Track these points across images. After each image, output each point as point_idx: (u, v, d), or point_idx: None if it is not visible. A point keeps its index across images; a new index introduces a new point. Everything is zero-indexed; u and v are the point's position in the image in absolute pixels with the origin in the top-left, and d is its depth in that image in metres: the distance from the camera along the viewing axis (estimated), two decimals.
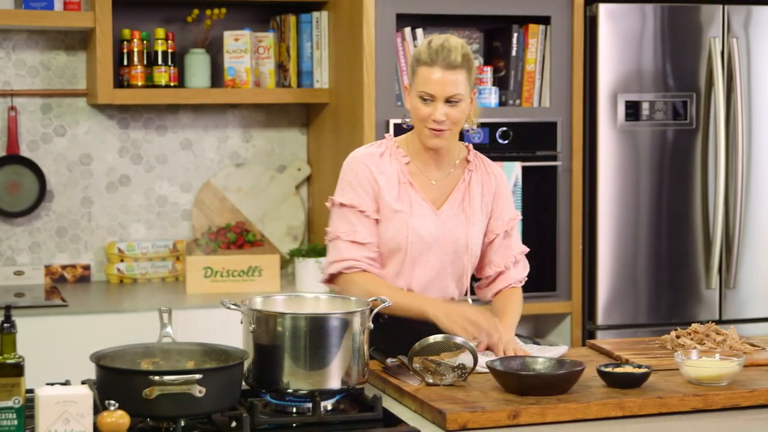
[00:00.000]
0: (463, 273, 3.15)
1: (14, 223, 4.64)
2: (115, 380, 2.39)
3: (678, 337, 3.05)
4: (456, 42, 3.00)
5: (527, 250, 3.26)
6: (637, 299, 4.61)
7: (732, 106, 4.62)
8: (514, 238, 3.21)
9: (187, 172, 4.83)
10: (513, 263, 3.20)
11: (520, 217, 3.24)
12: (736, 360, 2.70)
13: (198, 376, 2.34)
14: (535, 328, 4.85)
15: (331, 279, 3.11)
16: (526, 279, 3.26)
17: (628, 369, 2.70)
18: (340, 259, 3.05)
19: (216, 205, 4.83)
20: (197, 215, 4.82)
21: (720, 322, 4.65)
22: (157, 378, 2.33)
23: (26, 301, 4.27)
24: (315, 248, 4.56)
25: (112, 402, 2.24)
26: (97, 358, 2.47)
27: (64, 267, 4.68)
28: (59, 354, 4.03)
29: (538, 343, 3.31)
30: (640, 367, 2.72)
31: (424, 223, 3.07)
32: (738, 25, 4.63)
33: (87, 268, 4.71)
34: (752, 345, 3.04)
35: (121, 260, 4.68)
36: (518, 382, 2.60)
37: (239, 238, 4.68)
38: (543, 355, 2.81)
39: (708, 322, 3.13)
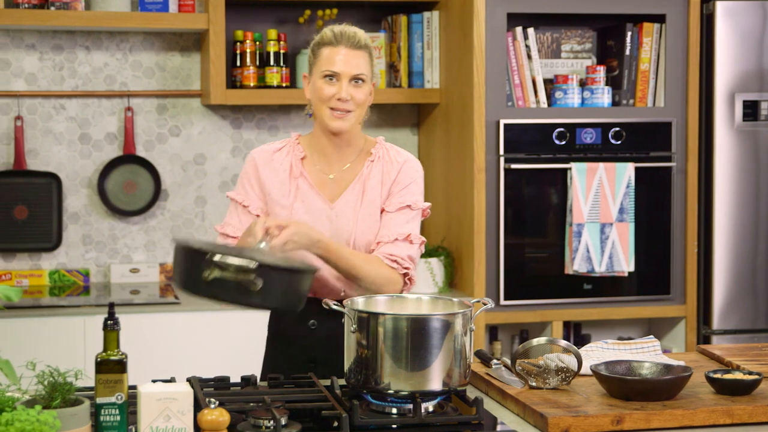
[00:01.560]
0: None
1: (130, 221, 4.73)
2: (182, 257, 2.49)
3: None
4: (358, 29, 3.01)
5: (420, 239, 3.01)
6: (755, 303, 4.50)
7: None
8: (401, 218, 3.00)
9: None
10: (387, 241, 2.97)
11: (421, 208, 3.03)
12: None
13: (254, 264, 2.41)
14: (649, 332, 4.77)
15: None
16: (405, 268, 2.97)
17: (738, 375, 2.63)
18: None
19: None
20: None
21: None
22: (217, 258, 2.40)
23: (141, 298, 4.35)
24: (425, 249, 4.53)
25: (213, 400, 2.26)
26: (180, 239, 2.58)
27: None
28: (171, 350, 4.10)
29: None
30: (751, 373, 2.65)
31: (314, 216, 2.99)
32: None
33: None
34: None
35: None
36: (623, 386, 2.55)
37: None
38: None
39: None
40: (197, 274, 2.46)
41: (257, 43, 4.61)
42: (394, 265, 2.96)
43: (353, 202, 3.02)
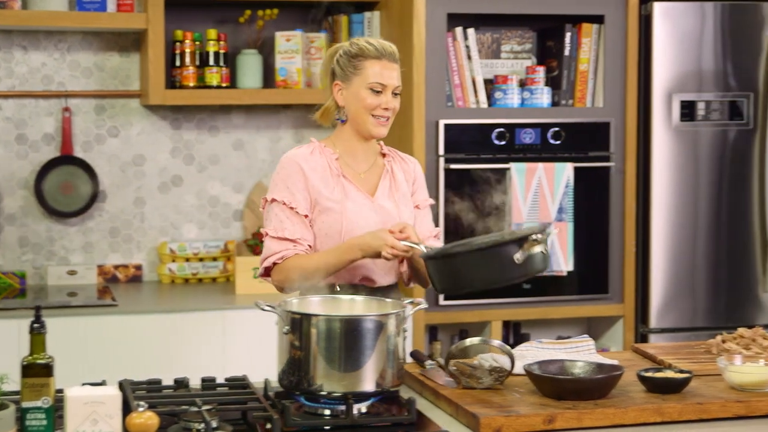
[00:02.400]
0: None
1: (68, 223, 4.69)
2: (489, 255, 2.73)
3: (724, 341, 2.99)
4: (386, 42, 3.21)
5: (439, 230, 3.34)
6: (693, 302, 4.54)
7: None
8: (428, 215, 3.29)
9: (239, 172, 4.84)
10: (428, 235, 3.22)
11: (433, 203, 3.33)
12: None
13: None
14: (588, 331, 4.80)
15: (266, 274, 3.15)
16: None
17: (669, 374, 2.65)
18: (269, 255, 3.10)
19: None
20: (249, 216, 4.83)
21: None
22: (536, 236, 2.69)
23: (78, 300, 4.31)
24: None
25: (141, 403, 2.25)
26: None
27: (116, 267, 4.72)
28: (108, 353, 4.06)
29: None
30: (681, 372, 2.67)
31: (363, 211, 3.13)
32: None
33: (139, 268, 4.74)
34: None
35: (173, 260, 4.70)
36: (555, 386, 2.56)
37: None
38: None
39: (755, 326, 3.06)
40: (508, 262, 2.68)
41: (197, 43, 4.58)
42: None
43: (389, 195, 3.20)
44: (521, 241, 2.69)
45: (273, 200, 3.14)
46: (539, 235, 2.70)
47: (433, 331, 4.63)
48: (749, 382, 2.61)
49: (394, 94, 3.15)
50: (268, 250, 3.11)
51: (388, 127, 3.18)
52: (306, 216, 3.11)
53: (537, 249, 2.69)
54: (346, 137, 3.20)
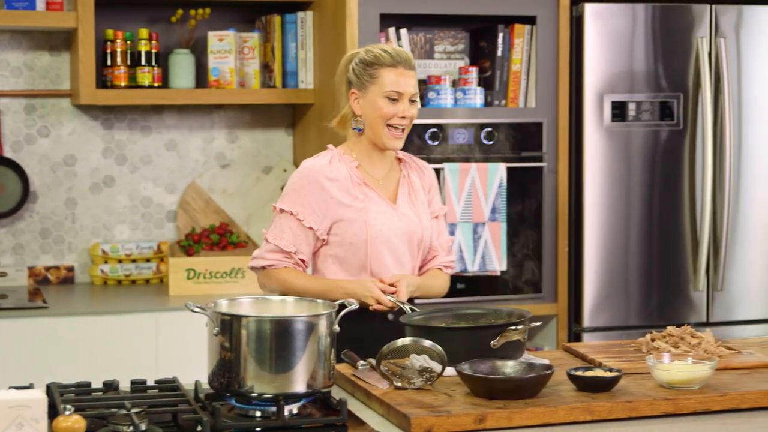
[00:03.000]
0: (418, 262, 3.30)
1: None
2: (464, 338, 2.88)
3: (653, 340, 3.02)
4: (401, 48, 3.26)
5: (453, 239, 3.49)
6: (625, 301, 4.58)
7: (720, 107, 4.58)
8: (443, 225, 3.39)
9: (171, 173, 4.80)
10: (444, 247, 3.36)
11: (446, 210, 3.45)
12: (708, 363, 2.67)
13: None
14: None
15: (254, 270, 3.27)
16: (453, 267, 3.42)
17: (598, 373, 2.67)
18: (261, 257, 3.21)
19: (201, 206, 4.81)
20: (182, 216, 4.80)
21: (708, 324, 4.62)
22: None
23: (8, 302, 4.25)
24: None
25: (68, 406, 2.22)
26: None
27: (47, 269, 4.67)
28: (39, 356, 4.02)
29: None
30: (611, 370, 2.69)
31: (387, 219, 3.19)
32: (726, 25, 4.60)
33: (71, 269, 4.69)
34: (728, 348, 3.00)
35: (105, 262, 4.65)
36: (486, 385, 2.56)
37: (222, 239, 4.66)
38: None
39: (685, 324, 3.09)
40: (484, 346, 2.80)
41: (128, 42, 4.54)
42: (449, 271, 3.39)
43: (409, 203, 3.27)
44: (501, 328, 2.82)
45: (281, 210, 3.19)
46: (519, 327, 2.82)
47: None
48: (677, 380, 2.64)
49: (411, 101, 3.18)
50: (261, 252, 3.21)
51: (404, 138, 3.22)
52: (312, 229, 3.16)
53: (515, 337, 2.82)
54: (363, 145, 3.24)
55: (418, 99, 3.22)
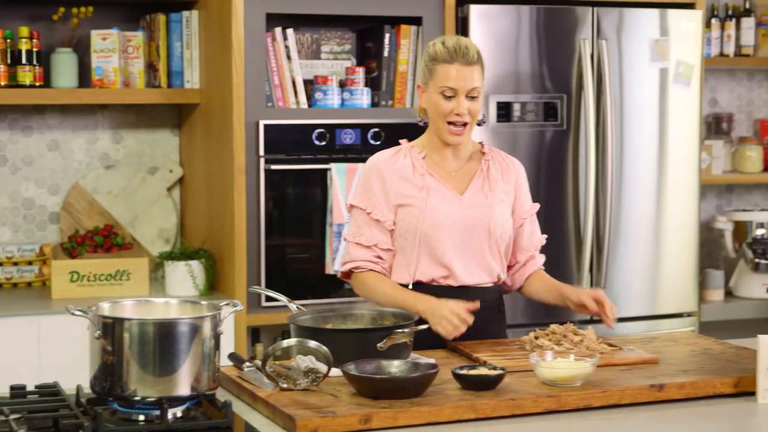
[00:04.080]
0: (491, 255, 3.23)
1: None
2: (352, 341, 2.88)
3: (536, 338, 3.05)
4: (468, 41, 3.17)
5: (543, 239, 3.39)
6: (510, 300, 4.59)
7: (602, 107, 4.66)
8: (537, 226, 3.36)
9: (54, 174, 4.72)
10: (538, 249, 3.35)
11: (538, 207, 3.36)
12: (590, 360, 2.71)
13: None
14: None
15: (346, 276, 3.29)
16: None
17: (483, 371, 2.69)
18: (348, 261, 3.24)
19: (85, 207, 4.73)
20: (65, 218, 4.71)
21: (591, 321, 4.68)
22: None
23: None
24: (185, 251, 4.49)
25: None
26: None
27: None
28: None
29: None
30: (495, 368, 2.71)
31: (447, 207, 3.17)
32: (608, 27, 4.67)
33: None
34: (609, 345, 3.05)
35: None
36: (371, 385, 2.57)
37: (107, 241, 4.59)
38: None
39: (567, 322, 3.13)
40: (371, 348, 2.79)
41: (8, 40, 4.44)
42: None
43: (482, 193, 3.21)
44: (388, 330, 2.83)
45: (352, 206, 3.23)
46: (405, 330, 2.83)
47: (255, 333, 4.60)
48: (560, 377, 2.67)
49: (471, 98, 3.12)
50: (347, 255, 3.24)
51: (466, 133, 3.17)
52: (380, 221, 3.17)
53: (401, 339, 2.82)
54: (434, 138, 3.23)
55: (479, 94, 3.13)
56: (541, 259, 3.38)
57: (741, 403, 2.70)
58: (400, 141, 3.30)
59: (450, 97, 3.12)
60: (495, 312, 3.28)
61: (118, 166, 4.79)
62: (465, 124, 3.15)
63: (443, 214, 3.16)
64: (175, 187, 4.87)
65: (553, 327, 3.08)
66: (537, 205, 3.36)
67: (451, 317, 2.99)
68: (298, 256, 4.41)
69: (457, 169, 3.24)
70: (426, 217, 3.15)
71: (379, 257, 3.21)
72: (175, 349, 2.47)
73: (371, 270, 3.21)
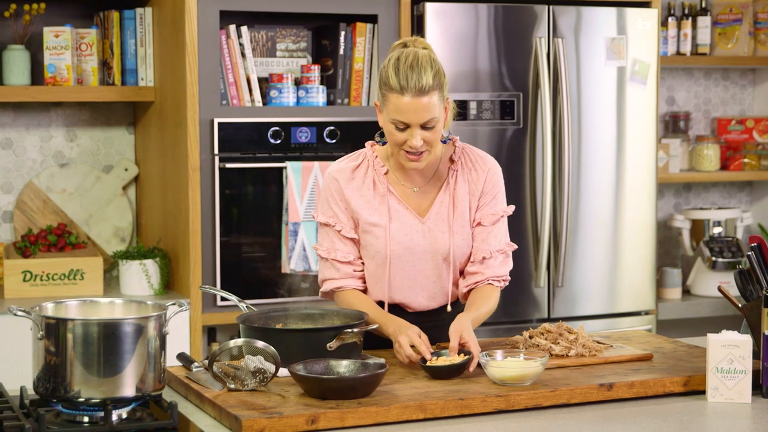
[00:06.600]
0: (450, 281, 3.08)
1: None
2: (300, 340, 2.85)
3: (531, 337, 3.03)
4: (424, 60, 2.86)
5: (514, 247, 3.13)
6: None
7: (559, 106, 4.65)
8: (495, 233, 3.07)
9: (7, 172, 4.67)
10: (489, 257, 3.05)
11: (509, 213, 3.11)
12: (540, 360, 2.70)
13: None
14: None
15: (328, 295, 3.15)
16: (509, 278, 3.13)
17: (448, 359, 2.72)
18: (328, 279, 3.09)
19: (39, 206, 4.68)
20: (19, 217, 4.66)
21: (549, 319, 4.69)
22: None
23: None
24: (140, 250, 4.45)
25: None
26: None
27: None
28: None
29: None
30: (461, 353, 2.74)
31: (410, 233, 3.01)
32: (564, 25, 4.67)
33: None
34: (600, 343, 3.04)
35: None
36: (319, 385, 2.55)
37: (60, 240, 4.54)
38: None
39: (559, 320, 3.12)
40: (321, 347, 2.78)
41: None
42: (501, 284, 3.09)
43: (445, 215, 3.02)
44: (337, 330, 2.80)
45: (320, 223, 3.07)
46: (354, 330, 2.79)
47: (211, 333, 4.57)
48: (509, 376, 2.66)
49: (427, 128, 2.85)
50: (324, 273, 3.09)
51: (424, 160, 2.91)
52: (351, 239, 3.04)
53: (351, 339, 2.80)
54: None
55: (437, 123, 2.85)
56: (497, 269, 3.07)
57: (690, 401, 2.69)
58: (366, 143, 3.08)
59: (403, 129, 2.87)
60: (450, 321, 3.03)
61: (73, 165, 4.74)
62: (422, 152, 2.90)
63: (409, 241, 3.00)
64: (130, 185, 4.83)
65: (546, 326, 3.04)
66: (502, 213, 3.09)
67: (403, 350, 2.84)
68: (253, 254, 4.38)
69: (421, 185, 3.03)
70: (392, 244, 2.99)
71: (356, 271, 3.07)
72: (119, 349, 2.44)
73: (353, 288, 3.08)
